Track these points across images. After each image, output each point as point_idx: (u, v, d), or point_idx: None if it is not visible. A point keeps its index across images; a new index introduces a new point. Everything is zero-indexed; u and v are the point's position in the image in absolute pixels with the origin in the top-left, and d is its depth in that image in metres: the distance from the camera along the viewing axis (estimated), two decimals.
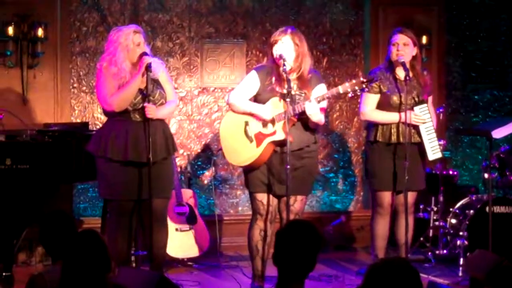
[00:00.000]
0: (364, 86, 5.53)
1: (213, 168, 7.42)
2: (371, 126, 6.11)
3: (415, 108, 5.97)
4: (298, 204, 5.64)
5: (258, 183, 5.63)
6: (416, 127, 5.99)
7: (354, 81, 5.55)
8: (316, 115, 5.50)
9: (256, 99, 5.65)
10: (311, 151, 5.69)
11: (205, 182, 7.47)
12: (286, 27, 5.67)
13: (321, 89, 5.63)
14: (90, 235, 3.44)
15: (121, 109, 5.36)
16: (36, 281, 3.76)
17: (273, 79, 5.58)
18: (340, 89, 5.53)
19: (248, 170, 5.66)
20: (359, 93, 5.71)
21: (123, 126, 5.39)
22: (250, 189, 5.70)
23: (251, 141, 5.59)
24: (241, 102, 5.63)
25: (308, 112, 5.45)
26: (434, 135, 6.05)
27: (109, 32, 5.62)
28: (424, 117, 5.99)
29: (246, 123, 5.62)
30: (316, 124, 5.63)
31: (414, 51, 6.02)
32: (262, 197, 5.64)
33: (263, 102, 5.59)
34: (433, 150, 6.05)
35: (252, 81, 5.65)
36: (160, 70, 5.55)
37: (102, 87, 5.41)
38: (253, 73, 5.69)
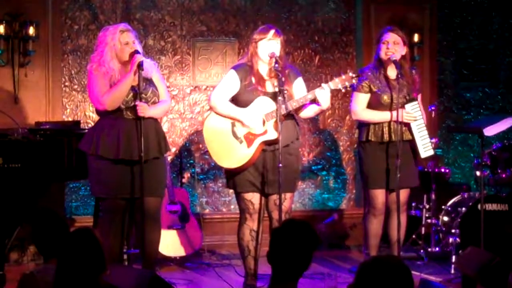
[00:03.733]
0: (354, 81, 5.56)
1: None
2: (363, 125, 6.11)
3: (406, 105, 5.98)
4: (287, 202, 5.64)
5: (246, 183, 5.61)
6: (407, 125, 6.00)
7: (343, 76, 5.57)
8: (328, 101, 5.51)
9: (237, 99, 5.61)
10: (295, 147, 5.71)
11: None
12: (271, 26, 5.65)
13: (299, 83, 5.69)
14: (85, 233, 3.43)
15: (114, 108, 5.36)
16: (28, 280, 3.75)
17: (253, 79, 5.58)
18: (331, 85, 5.53)
19: (234, 170, 5.63)
20: (349, 89, 5.72)
21: (115, 124, 5.38)
22: (237, 190, 5.66)
23: (240, 142, 5.57)
24: (224, 106, 5.59)
25: (321, 98, 5.45)
26: (426, 132, 6.07)
27: (100, 30, 5.62)
28: (415, 115, 6.00)
29: (233, 124, 5.59)
30: (313, 112, 5.67)
31: (404, 50, 6.02)
32: (251, 196, 5.63)
33: (245, 102, 5.57)
34: (425, 147, 6.06)
35: (232, 81, 5.62)
36: (153, 70, 5.54)
37: (94, 87, 5.40)
38: (232, 72, 5.65)
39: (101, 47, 5.42)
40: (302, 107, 5.59)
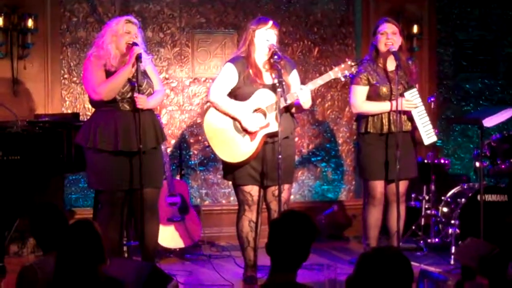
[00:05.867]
0: (353, 69, 5.58)
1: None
2: (361, 117, 6.11)
3: (405, 93, 5.97)
4: (286, 193, 5.65)
5: (245, 176, 5.61)
6: (408, 113, 5.98)
7: (343, 65, 5.61)
8: (308, 102, 5.55)
9: (237, 92, 5.60)
10: (292, 139, 5.76)
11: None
12: (268, 18, 5.66)
13: (295, 75, 5.70)
14: (85, 225, 3.44)
15: (109, 98, 5.35)
16: (27, 272, 3.75)
17: (251, 71, 5.57)
18: (331, 74, 5.61)
19: (235, 164, 5.63)
20: (349, 77, 5.73)
21: (111, 116, 5.38)
22: (237, 182, 5.67)
23: (243, 135, 5.57)
24: (223, 104, 5.57)
25: (302, 100, 5.49)
26: (427, 118, 6.05)
27: (100, 23, 5.63)
28: (415, 102, 5.99)
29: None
30: (301, 110, 5.69)
31: (400, 40, 6.02)
32: (250, 189, 5.63)
33: (245, 95, 5.57)
34: (428, 134, 6.04)
35: (230, 75, 5.61)
36: (147, 61, 5.55)
37: (90, 76, 5.40)
38: (230, 65, 5.63)
39: (104, 30, 5.46)
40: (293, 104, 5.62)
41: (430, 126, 6.07)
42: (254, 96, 5.55)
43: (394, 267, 2.88)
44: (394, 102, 5.87)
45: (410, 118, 6.04)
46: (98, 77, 5.37)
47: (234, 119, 5.57)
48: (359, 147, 6.19)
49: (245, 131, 5.54)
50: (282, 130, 5.42)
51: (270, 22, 5.58)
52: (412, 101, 5.97)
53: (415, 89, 6.02)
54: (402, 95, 5.94)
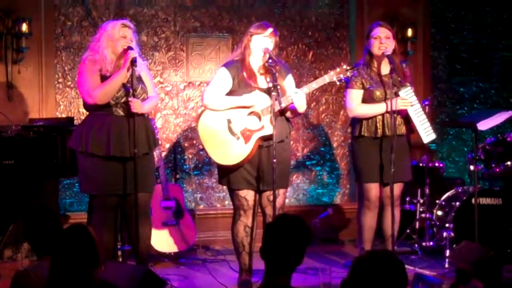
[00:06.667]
0: (348, 73, 5.59)
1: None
2: (356, 121, 6.10)
3: (400, 92, 5.94)
4: (281, 198, 5.64)
5: (240, 180, 5.60)
6: (404, 113, 5.95)
7: (338, 69, 5.63)
8: (303, 106, 5.55)
9: (231, 96, 5.60)
10: (288, 143, 5.75)
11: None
12: (269, 24, 5.65)
13: (290, 79, 5.71)
14: (79, 229, 3.44)
15: (104, 103, 5.35)
16: (22, 277, 3.75)
17: (245, 74, 5.57)
18: (326, 78, 5.61)
19: (228, 167, 5.63)
20: (343, 81, 5.75)
21: (104, 121, 5.38)
22: (232, 186, 5.66)
23: (237, 138, 5.57)
24: (221, 101, 5.57)
25: (296, 104, 5.49)
26: (424, 116, 6.02)
27: (95, 27, 5.63)
28: (411, 100, 5.97)
29: (229, 121, 5.58)
30: (295, 114, 5.68)
31: (393, 43, 6.02)
32: (245, 193, 5.63)
33: None
34: (426, 132, 6.01)
35: (224, 79, 5.61)
36: (142, 66, 5.55)
37: (85, 80, 5.40)
38: (224, 70, 5.64)
39: (100, 34, 5.46)
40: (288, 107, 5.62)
41: (428, 124, 6.03)
42: (250, 95, 5.56)
43: (389, 271, 2.88)
44: (389, 102, 5.85)
45: (405, 121, 6.03)
46: (93, 81, 5.37)
47: (238, 107, 5.54)
48: (353, 151, 6.19)
49: (243, 132, 5.52)
50: (277, 134, 5.42)
51: (269, 30, 5.57)
52: (407, 99, 5.95)
53: (409, 88, 5.99)
54: (397, 94, 5.93)
